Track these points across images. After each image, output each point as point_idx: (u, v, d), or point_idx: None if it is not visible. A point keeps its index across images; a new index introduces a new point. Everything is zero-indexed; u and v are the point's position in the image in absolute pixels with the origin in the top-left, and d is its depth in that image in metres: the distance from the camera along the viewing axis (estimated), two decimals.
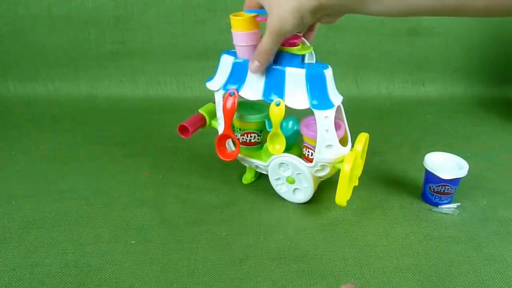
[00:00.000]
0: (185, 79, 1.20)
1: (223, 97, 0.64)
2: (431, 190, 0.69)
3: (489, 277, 0.56)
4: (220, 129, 0.68)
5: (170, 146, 0.90)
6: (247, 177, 0.75)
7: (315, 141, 0.61)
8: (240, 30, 0.58)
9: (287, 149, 0.67)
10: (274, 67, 0.59)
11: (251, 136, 0.70)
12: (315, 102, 0.58)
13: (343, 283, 0.54)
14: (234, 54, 0.63)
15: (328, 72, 0.59)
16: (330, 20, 0.55)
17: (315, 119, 0.60)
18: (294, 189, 0.68)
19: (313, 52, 0.62)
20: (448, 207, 0.70)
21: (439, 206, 0.70)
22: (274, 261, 0.58)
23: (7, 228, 0.64)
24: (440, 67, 1.25)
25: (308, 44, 0.62)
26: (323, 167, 0.63)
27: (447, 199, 0.70)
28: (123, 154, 0.86)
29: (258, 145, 0.72)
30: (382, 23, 1.19)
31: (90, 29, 1.15)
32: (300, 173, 0.65)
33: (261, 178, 0.77)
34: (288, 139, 0.65)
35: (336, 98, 0.60)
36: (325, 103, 0.58)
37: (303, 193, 0.67)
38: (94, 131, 0.98)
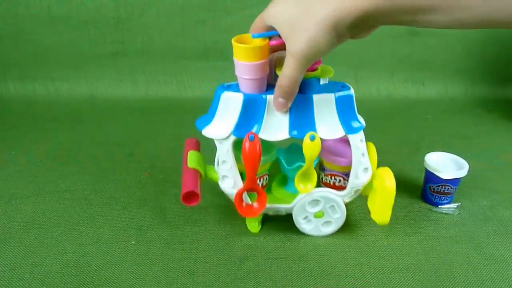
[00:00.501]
0: (185, 79, 1.20)
1: (232, 144, 0.53)
2: (431, 190, 0.69)
3: (489, 277, 0.56)
4: (228, 183, 0.56)
5: (170, 146, 0.90)
6: (254, 225, 0.63)
7: (347, 167, 0.58)
8: (247, 61, 0.48)
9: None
10: (298, 96, 0.50)
11: (263, 180, 0.63)
12: (349, 126, 0.53)
13: (343, 283, 0.54)
14: (233, 88, 0.52)
15: (353, 91, 0.54)
16: (365, 34, 0.47)
17: (342, 144, 0.57)
18: (324, 223, 0.61)
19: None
20: (448, 207, 0.70)
21: (439, 206, 0.70)
22: (274, 261, 0.58)
23: (7, 228, 0.64)
24: (440, 67, 1.25)
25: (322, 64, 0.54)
26: (356, 192, 0.59)
27: (447, 199, 0.70)
28: (123, 154, 0.86)
29: (266, 188, 0.65)
30: None
31: (90, 29, 1.15)
32: (333, 205, 0.59)
33: None
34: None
35: (361, 118, 0.56)
36: (357, 126, 0.54)
37: (334, 224, 0.61)
38: (94, 131, 0.98)
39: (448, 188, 0.68)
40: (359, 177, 0.57)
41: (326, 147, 0.62)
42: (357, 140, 0.54)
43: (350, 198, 0.60)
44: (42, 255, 0.58)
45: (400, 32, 1.21)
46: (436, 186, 0.69)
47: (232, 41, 0.48)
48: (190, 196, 0.52)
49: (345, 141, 0.54)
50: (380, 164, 0.60)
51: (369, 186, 0.58)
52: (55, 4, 1.11)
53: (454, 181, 0.68)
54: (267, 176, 0.63)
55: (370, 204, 0.60)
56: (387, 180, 0.55)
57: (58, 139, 0.93)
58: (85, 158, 0.84)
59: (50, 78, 1.18)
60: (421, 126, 1.05)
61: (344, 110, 0.53)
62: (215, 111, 0.53)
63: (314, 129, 0.52)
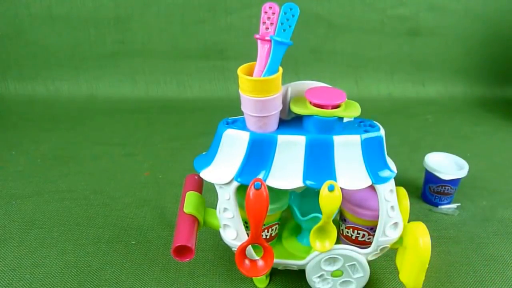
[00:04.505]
0: (185, 79, 1.20)
1: (235, 191, 0.45)
2: (431, 190, 0.70)
3: (489, 278, 0.56)
4: (230, 234, 0.48)
5: (170, 146, 0.90)
6: (261, 279, 0.55)
7: (372, 221, 0.48)
8: (255, 96, 0.40)
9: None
10: (318, 137, 0.43)
11: (272, 230, 0.52)
12: (376, 175, 0.44)
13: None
14: (238, 125, 0.44)
15: (383, 132, 0.45)
16: None
17: (368, 192, 0.46)
18: (342, 282, 0.51)
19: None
20: (448, 208, 0.70)
21: (439, 207, 0.70)
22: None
23: (7, 228, 0.64)
24: (440, 67, 1.25)
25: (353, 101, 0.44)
26: (383, 249, 0.49)
27: (447, 199, 0.70)
28: (123, 154, 0.86)
29: (275, 238, 0.54)
30: (382, 23, 1.19)
31: (90, 29, 1.15)
32: (354, 264, 0.49)
33: None
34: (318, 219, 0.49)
35: (391, 162, 0.47)
36: (387, 173, 0.45)
37: (354, 284, 0.51)
38: (94, 131, 0.98)
39: (448, 189, 0.68)
40: (387, 234, 0.47)
41: (347, 196, 0.51)
42: (386, 191, 0.45)
43: (375, 256, 0.50)
44: (42, 255, 0.58)
45: (400, 32, 1.21)
46: (436, 187, 0.69)
47: (238, 71, 0.40)
48: (182, 250, 0.44)
49: (371, 188, 0.45)
50: None
51: (398, 241, 0.49)
52: (55, 4, 1.11)
53: (454, 182, 0.68)
54: (277, 226, 0.53)
55: (398, 262, 0.51)
56: (421, 239, 0.45)
57: (58, 139, 0.93)
58: (85, 158, 0.84)
59: (50, 78, 1.18)
60: (421, 126, 1.05)
61: (372, 155, 0.44)
62: (216, 150, 0.45)
63: (334, 178, 0.43)
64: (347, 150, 0.43)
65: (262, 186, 0.42)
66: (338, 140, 0.43)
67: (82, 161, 0.83)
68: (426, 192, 0.71)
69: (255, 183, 0.42)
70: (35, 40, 1.14)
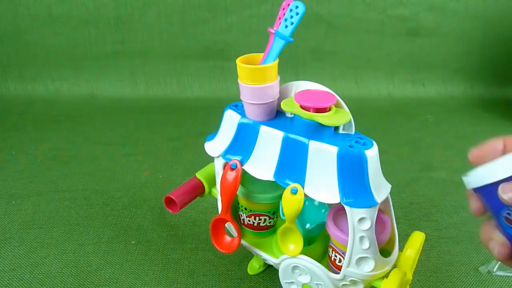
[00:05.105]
0: (185, 79, 1.20)
1: (223, 167, 0.48)
2: (509, 221, 0.34)
3: (489, 277, 0.56)
4: (219, 205, 0.51)
5: (170, 146, 0.90)
6: (255, 266, 0.57)
7: (345, 246, 0.42)
8: (252, 83, 0.42)
9: (307, 242, 0.50)
10: (294, 137, 0.41)
11: (260, 219, 0.52)
12: (347, 195, 0.39)
13: None
14: (239, 108, 0.46)
15: (372, 154, 0.39)
16: None
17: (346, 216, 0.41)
18: None
19: (352, 120, 0.41)
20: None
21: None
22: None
23: (7, 228, 0.64)
24: (440, 67, 1.25)
25: (346, 108, 0.41)
26: (354, 282, 0.44)
27: None
28: (123, 154, 0.86)
29: (270, 229, 0.53)
30: (382, 23, 1.19)
31: (90, 29, 1.15)
32: (321, 284, 0.46)
33: None
34: (310, 231, 0.49)
35: (380, 190, 0.41)
36: (362, 199, 0.39)
37: None
38: (94, 131, 0.98)
39: None
40: (352, 266, 0.42)
41: (337, 212, 0.46)
42: (355, 218, 0.39)
43: None
44: (42, 255, 0.58)
45: (400, 32, 1.21)
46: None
47: (237, 61, 0.42)
48: (171, 203, 0.52)
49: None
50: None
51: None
52: (55, 4, 1.11)
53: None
54: (266, 217, 0.51)
55: None
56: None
57: (58, 139, 0.93)
58: (85, 158, 0.84)
59: (50, 78, 1.18)
60: (421, 126, 1.05)
61: (348, 173, 0.39)
62: (219, 127, 0.48)
63: (302, 182, 0.41)
64: (321, 159, 0.40)
65: (237, 168, 0.44)
66: (313, 145, 0.40)
67: (82, 161, 0.83)
68: (504, 225, 0.35)
69: (232, 163, 0.45)
70: (35, 40, 1.14)
